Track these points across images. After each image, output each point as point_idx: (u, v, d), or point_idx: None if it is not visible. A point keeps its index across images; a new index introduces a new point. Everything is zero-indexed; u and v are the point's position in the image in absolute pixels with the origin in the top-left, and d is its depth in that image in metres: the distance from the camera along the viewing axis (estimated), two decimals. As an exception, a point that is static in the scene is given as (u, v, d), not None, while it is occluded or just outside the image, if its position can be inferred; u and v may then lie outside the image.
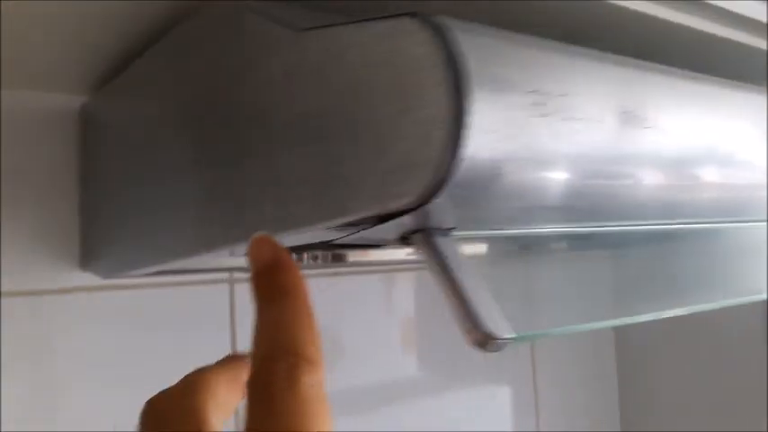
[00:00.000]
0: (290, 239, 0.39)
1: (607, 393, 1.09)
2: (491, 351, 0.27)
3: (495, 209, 0.28)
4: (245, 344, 0.70)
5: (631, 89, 0.29)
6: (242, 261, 0.71)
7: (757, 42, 0.55)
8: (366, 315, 0.83)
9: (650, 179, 0.30)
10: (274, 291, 0.27)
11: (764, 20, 0.52)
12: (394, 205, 0.26)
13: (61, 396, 0.61)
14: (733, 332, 1.03)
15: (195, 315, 0.69)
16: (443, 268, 0.29)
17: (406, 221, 0.29)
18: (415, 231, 0.31)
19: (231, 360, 0.32)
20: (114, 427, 0.61)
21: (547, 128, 0.25)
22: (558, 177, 0.28)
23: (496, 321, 0.27)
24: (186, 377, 0.30)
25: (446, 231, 0.30)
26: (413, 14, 0.24)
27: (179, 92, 0.47)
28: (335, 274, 0.81)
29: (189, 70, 0.44)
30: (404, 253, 0.82)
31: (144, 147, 0.53)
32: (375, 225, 0.29)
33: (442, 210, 0.27)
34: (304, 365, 0.25)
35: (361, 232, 0.31)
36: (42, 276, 0.61)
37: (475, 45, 0.23)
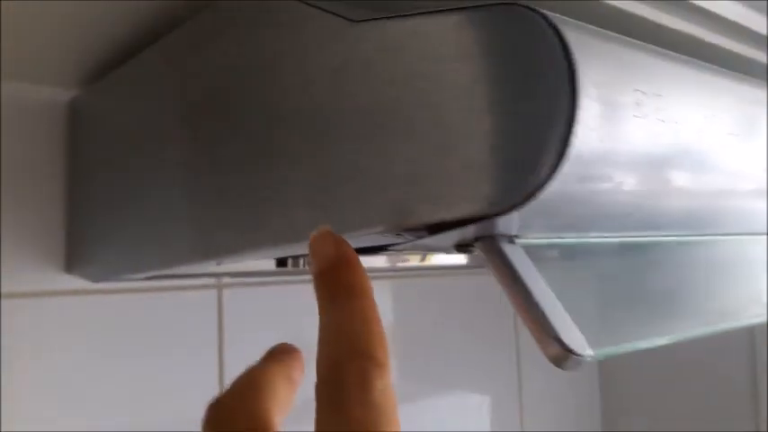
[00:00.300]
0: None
1: (589, 394, 1.09)
2: (568, 368, 0.26)
3: (573, 214, 0.26)
4: (232, 349, 0.68)
5: (715, 95, 0.28)
6: (230, 267, 0.69)
7: (758, 55, 0.55)
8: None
9: (731, 187, 0.29)
10: (341, 290, 0.27)
11: (765, 32, 0.52)
12: (475, 209, 0.24)
13: (45, 400, 0.57)
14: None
15: (182, 320, 0.67)
16: (515, 278, 0.27)
17: (477, 228, 0.27)
18: (477, 238, 0.29)
19: (282, 354, 0.30)
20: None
21: (644, 129, 0.24)
22: (643, 180, 0.26)
23: (576, 337, 0.26)
24: (247, 376, 0.29)
25: (511, 238, 0.28)
26: (511, 4, 0.22)
27: (186, 90, 0.44)
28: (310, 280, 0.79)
29: (201, 67, 0.42)
30: (400, 260, 0.80)
31: (141, 146, 0.50)
32: (441, 231, 0.27)
33: (525, 215, 0.25)
34: (375, 369, 0.25)
35: (421, 240, 0.29)
36: (25, 278, 0.58)
37: (578, 39, 0.22)
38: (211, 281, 0.70)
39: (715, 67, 0.30)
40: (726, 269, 0.36)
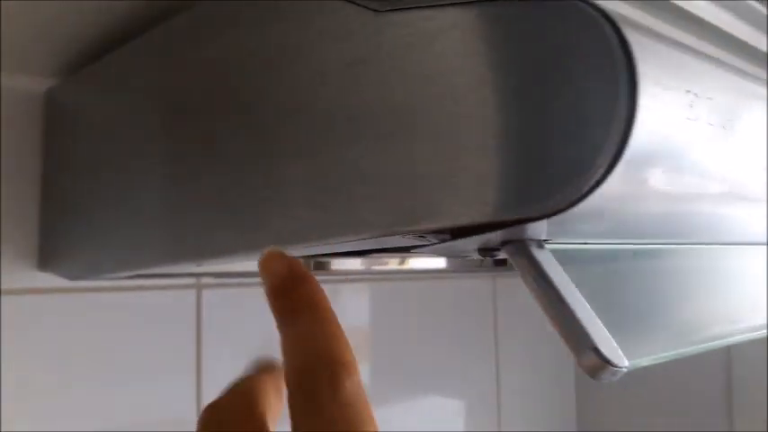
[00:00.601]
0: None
1: (565, 397, 1.09)
2: (604, 379, 0.25)
3: (614, 219, 0.25)
4: (210, 350, 0.66)
5: (760, 102, 0.27)
6: (210, 267, 0.67)
7: (757, 72, 0.55)
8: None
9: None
10: (300, 303, 0.28)
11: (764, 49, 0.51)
12: (519, 212, 0.23)
13: (17, 399, 0.55)
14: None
15: (161, 320, 0.65)
16: (548, 284, 0.26)
17: (506, 232, 0.26)
18: (504, 243, 0.28)
19: (270, 366, 0.31)
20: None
21: (694, 132, 0.23)
22: (685, 185, 0.25)
23: (612, 347, 0.24)
24: (243, 383, 0.29)
25: (540, 243, 0.27)
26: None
27: (178, 85, 0.42)
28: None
29: (196, 62, 0.40)
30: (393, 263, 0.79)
31: (124, 142, 0.48)
32: (471, 234, 0.26)
33: (561, 219, 0.24)
34: (344, 371, 0.26)
35: (444, 243, 0.28)
36: (-4, 275, 0.55)
37: (634, 36, 0.20)
38: (191, 281, 0.68)
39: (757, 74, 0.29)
40: (751, 279, 0.35)
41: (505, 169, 0.23)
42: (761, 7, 0.33)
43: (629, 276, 0.30)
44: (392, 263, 0.81)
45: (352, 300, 0.85)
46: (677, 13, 0.28)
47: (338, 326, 0.27)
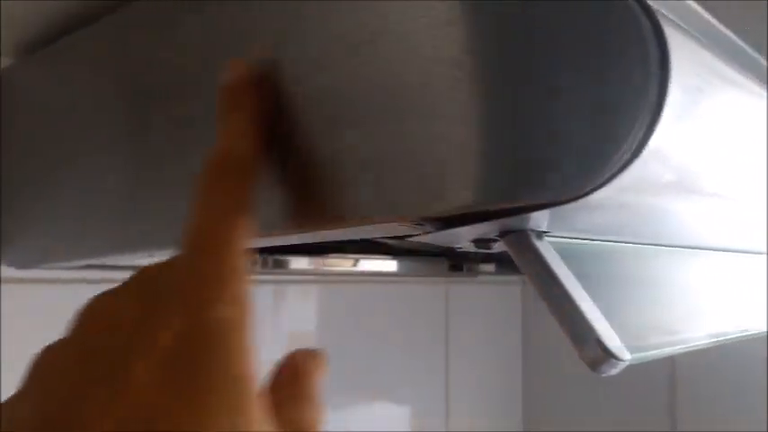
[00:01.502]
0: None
1: (513, 403, 1.10)
2: (605, 372, 0.24)
3: (618, 212, 0.25)
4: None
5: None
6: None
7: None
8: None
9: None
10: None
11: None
12: (536, 197, 0.22)
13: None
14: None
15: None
16: (550, 276, 0.25)
17: (507, 221, 0.26)
18: (503, 234, 0.27)
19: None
20: None
21: (701, 117, 0.23)
22: (689, 181, 0.25)
23: (615, 340, 0.24)
24: None
25: (540, 234, 0.27)
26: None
27: (137, 70, 0.40)
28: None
29: (163, 47, 0.38)
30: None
31: (78, 127, 0.46)
32: (471, 222, 0.25)
33: (567, 210, 0.23)
34: None
35: (440, 231, 0.27)
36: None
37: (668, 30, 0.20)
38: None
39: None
40: (745, 285, 0.36)
41: (521, 153, 0.22)
42: None
43: (628, 274, 0.30)
44: (345, 264, 0.80)
45: (301, 301, 0.84)
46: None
47: None
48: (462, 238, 0.28)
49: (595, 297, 0.26)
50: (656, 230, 0.28)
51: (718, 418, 0.99)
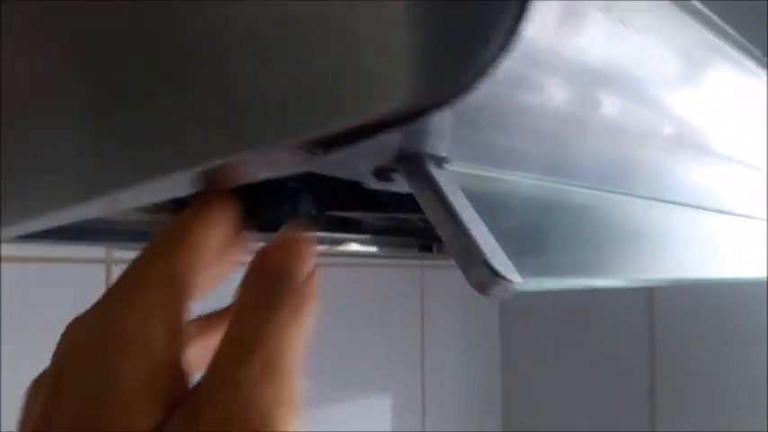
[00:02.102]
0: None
1: (491, 394, 1.09)
2: (495, 296, 0.23)
3: (501, 129, 0.24)
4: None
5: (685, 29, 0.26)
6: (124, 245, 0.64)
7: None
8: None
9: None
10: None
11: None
12: (403, 104, 0.21)
13: None
14: (616, 331, 1.05)
15: (70, 294, 0.62)
16: (441, 199, 0.24)
17: (401, 145, 0.25)
18: (400, 160, 0.26)
19: None
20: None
21: (605, 29, 0.22)
22: (602, 98, 0.24)
23: (504, 262, 0.23)
24: None
25: (439, 161, 0.26)
26: None
27: (89, 26, 0.40)
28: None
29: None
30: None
31: (36, 78, 0.45)
32: (359, 140, 0.24)
33: (457, 119, 0.22)
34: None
35: (332, 155, 0.26)
36: None
37: None
38: (101, 254, 0.66)
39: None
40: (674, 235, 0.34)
41: (391, 59, 0.21)
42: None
43: (535, 208, 0.29)
44: (320, 247, 0.79)
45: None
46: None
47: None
48: (360, 166, 0.27)
49: (495, 228, 0.25)
50: (575, 167, 0.27)
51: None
